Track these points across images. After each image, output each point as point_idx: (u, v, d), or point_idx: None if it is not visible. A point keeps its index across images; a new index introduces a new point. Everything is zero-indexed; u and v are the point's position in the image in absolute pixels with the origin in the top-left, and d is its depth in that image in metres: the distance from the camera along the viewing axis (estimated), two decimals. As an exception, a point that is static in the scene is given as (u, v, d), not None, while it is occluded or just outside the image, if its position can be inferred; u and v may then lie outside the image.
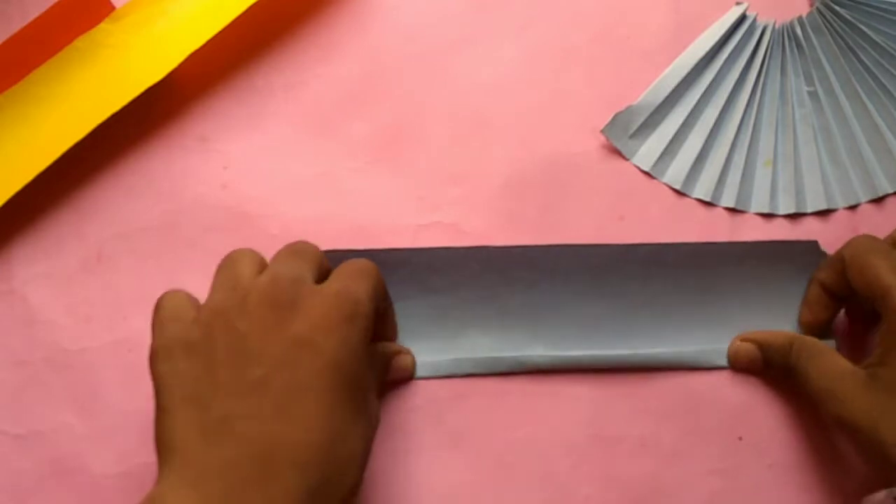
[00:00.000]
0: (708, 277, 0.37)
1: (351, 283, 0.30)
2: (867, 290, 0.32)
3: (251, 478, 0.26)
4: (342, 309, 0.29)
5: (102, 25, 0.40)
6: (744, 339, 0.36)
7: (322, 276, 0.32)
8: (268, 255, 0.38)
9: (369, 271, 0.32)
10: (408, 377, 0.37)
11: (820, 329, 0.36)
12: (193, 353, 0.29)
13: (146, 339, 0.37)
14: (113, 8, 0.40)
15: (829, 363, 0.33)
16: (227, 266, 0.32)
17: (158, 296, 0.38)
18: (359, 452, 0.29)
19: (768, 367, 0.36)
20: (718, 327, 0.37)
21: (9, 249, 0.39)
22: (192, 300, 0.31)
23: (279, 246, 0.38)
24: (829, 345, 0.35)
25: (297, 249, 0.32)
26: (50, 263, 0.39)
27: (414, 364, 0.37)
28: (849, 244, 0.34)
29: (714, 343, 0.37)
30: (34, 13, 0.40)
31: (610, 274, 0.37)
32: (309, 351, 0.28)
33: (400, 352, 0.36)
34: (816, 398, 0.33)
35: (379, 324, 0.34)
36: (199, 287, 0.38)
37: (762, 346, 0.36)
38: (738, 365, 0.36)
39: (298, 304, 0.29)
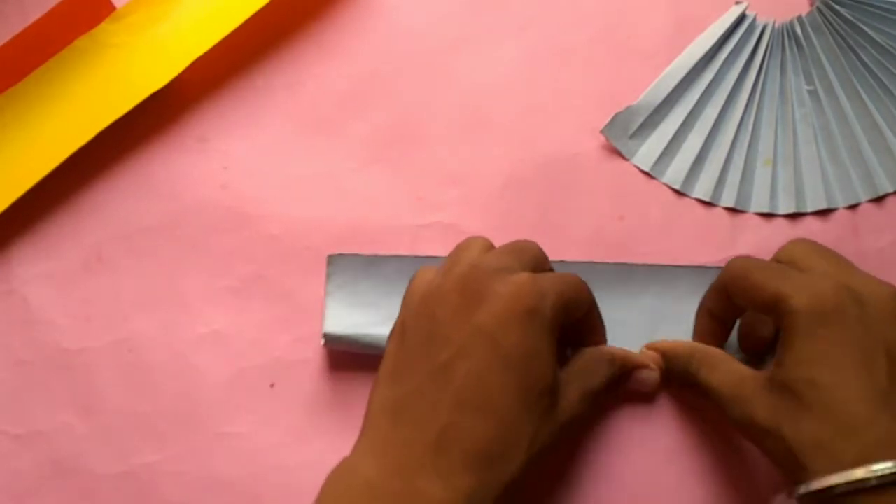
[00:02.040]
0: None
1: (541, 280, 0.31)
2: (755, 303, 0.32)
3: (424, 457, 0.28)
4: (524, 302, 0.30)
5: (103, 25, 0.40)
6: (649, 348, 0.36)
7: (534, 272, 0.32)
8: (267, 255, 0.39)
9: (569, 279, 0.33)
10: (649, 391, 0.36)
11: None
12: (404, 334, 0.31)
13: (146, 339, 0.38)
14: (114, 8, 0.40)
15: (728, 370, 0.33)
16: (455, 250, 0.34)
17: (159, 296, 0.38)
18: (524, 446, 0.29)
19: (671, 375, 0.36)
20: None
21: (9, 249, 0.39)
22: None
23: (279, 246, 0.39)
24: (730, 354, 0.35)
25: (517, 245, 0.33)
26: (50, 263, 0.39)
27: (658, 381, 0.36)
28: (725, 269, 0.34)
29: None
30: (33, 13, 0.40)
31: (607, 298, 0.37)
32: (487, 342, 0.29)
33: (645, 366, 0.36)
34: (720, 406, 0.33)
35: (584, 338, 0.35)
36: (198, 287, 0.38)
37: (665, 355, 0.36)
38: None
39: (486, 292, 0.30)
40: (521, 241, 0.34)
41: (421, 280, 0.33)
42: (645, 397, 0.36)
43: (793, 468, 0.29)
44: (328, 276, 0.37)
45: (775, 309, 0.31)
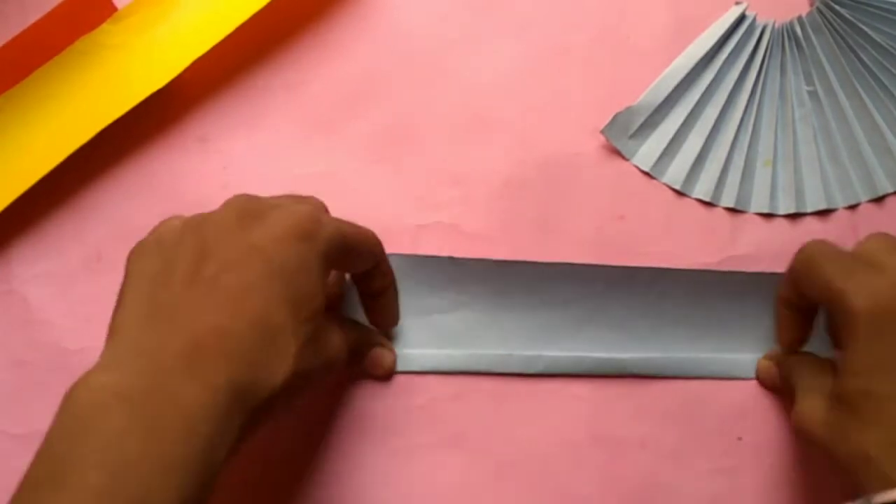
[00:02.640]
0: (705, 307, 0.37)
1: (323, 214, 0.32)
2: (821, 297, 0.31)
3: (179, 359, 0.27)
4: (301, 227, 0.30)
5: (104, 26, 0.40)
6: (767, 358, 0.36)
7: None
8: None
9: (357, 226, 0.33)
10: (382, 375, 0.37)
11: (801, 344, 0.35)
12: (161, 252, 0.30)
13: (146, 339, 0.38)
14: (115, 9, 0.40)
15: (811, 375, 0.33)
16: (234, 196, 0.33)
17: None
18: (290, 357, 0.29)
19: (786, 385, 0.35)
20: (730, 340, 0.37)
21: (9, 249, 0.39)
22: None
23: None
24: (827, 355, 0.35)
25: (298, 195, 0.34)
26: (50, 263, 0.39)
27: (394, 364, 0.37)
28: (798, 254, 0.33)
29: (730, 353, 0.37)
30: (32, 12, 0.40)
31: (610, 301, 0.37)
32: (260, 257, 0.29)
33: (382, 345, 0.37)
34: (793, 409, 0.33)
35: (377, 298, 0.35)
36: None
37: (777, 363, 0.36)
38: (762, 382, 0.37)
39: (264, 217, 0.30)
40: (306, 195, 0.34)
41: (186, 216, 0.32)
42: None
43: (850, 482, 0.28)
44: None
45: (837, 307, 0.30)
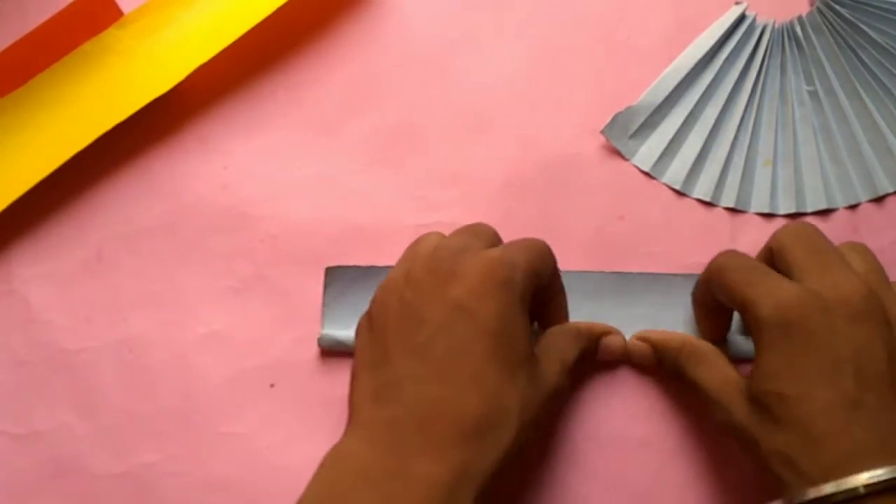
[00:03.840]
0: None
1: (509, 251, 0.31)
2: (731, 305, 0.32)
3: (412, 434, 0.28)
4: (497, 274, 0.30)
5: (110, 31, 0.40)
6: (639, 338, 0.36)
7: None
8: (267, 255, 0.39)
9: (535, 246, 0.33)
10: (619, 356, 0.36)
11: (720, 340, 0.36)
12: (372, 325, 0.31)
13: (146, 340, 0.38)
14: (121, 13, 0.40)
15: (714, 371, 0.33)
16: (411, 245, 0.34)
17: (159, 296, 0.38)
18: (513, 413, 0.29)
19: (662, 367, 0.36)
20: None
21: (9, 249, 0.39)
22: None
23: (279, 246, 0.39)
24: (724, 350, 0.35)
25: (473, 227, 0.34)
26: (50, 263, 0.39)
27: (624, 343, 0.36)
28: (710, 264, 0.33)
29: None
30: (32, 13, 0.40)
31: (606, 308, 0.37)
32: (465, 316, 0.29)
33: (608, 332, 0.36)
34: (704, 403, 0.33)
35: (547, 305, 0.35)
36: (198, 287, 0.38)
37: (656, 346, 0.36)
38: (633, 360, 0.37)
39: (457, 269, 0.30)
40: (477, 224, 0.34)
41: (386, 278, 0.33)
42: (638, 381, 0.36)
43: (774, 480, 0.29)
44: (325, 286, 0.37)
45: (746, 314, 0.31)
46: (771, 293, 0.30)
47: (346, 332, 0.37)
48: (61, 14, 0.39)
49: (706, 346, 0.34)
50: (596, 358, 0.36)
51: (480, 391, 0.29)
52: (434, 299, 0.30)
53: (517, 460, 0.30)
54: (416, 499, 0.27)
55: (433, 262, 0.31)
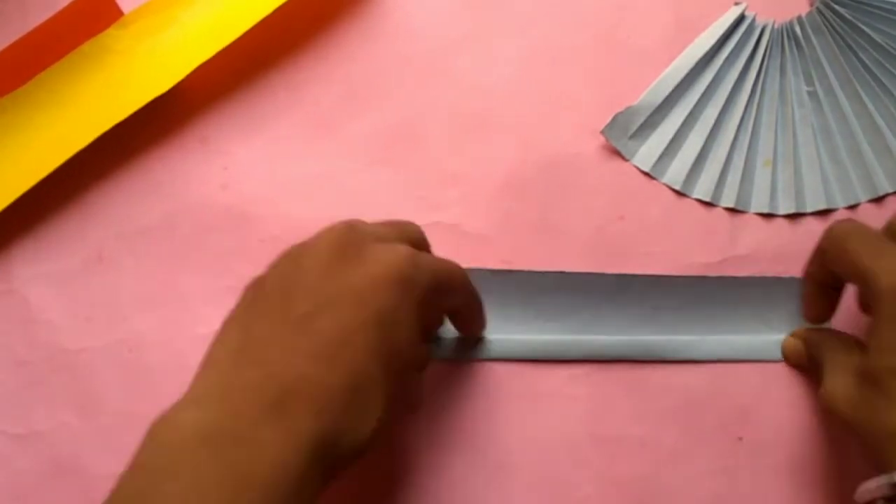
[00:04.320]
0: (703, 315, 0.38)
1: (421, 255, 0.31)
2: (849, 276, 0.31)
3: (267, 405, 0.27)
4: (401, 269, 0.29)
5: (110, 31, 0.40)
6: (794, 336, 0.37)
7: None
8: (267, 255, 0.39)
9: (448, 262, 0.32)
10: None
11: (826, 319, 0.36)
12: (260, 284, 0.30)
13: (146, 339, 0.38)
14: (121, 14, 0.40)
15: (840, 353, 0.33)
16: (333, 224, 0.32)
17: (159, 296, 0.38)
18: (376, 415, 0.28)
19: (811, 363, 0.36)
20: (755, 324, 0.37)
21: (9, 249, 0.39)
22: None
23: (279, 246, 0.38)
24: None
25: (400, 223, 0.33)
26: (50, 263, 0.39)
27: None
28: (827, 232, 0.33)
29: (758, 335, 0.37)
30: (33, 13, 0.40)
31: (606, 310, 0.37)
32: (355, 300, 0.28)
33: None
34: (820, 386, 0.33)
35: (462, 313, 0.35)
36: (198, 287, 0.38)
37: (805, 342, 0.36)
38: (788, 361, 0.37)
39: (363, 253, 0.30)
40: (407, 223, 0.33)
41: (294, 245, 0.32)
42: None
43: (877, 459, 0.29)
44: None
45: (865, 286, 0.30)
46: (894, 263, 0.29)
47: None
48: (61, 14, 0.39)
49: (842, 336, 0.34)
50: None
51: (348, 375, 0.28)
52: (331, 276, 0.29)
53: (362, 454, 0.29)
54: (270, 480, 0.26)
55: (343, 238, 0.30)
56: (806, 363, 0.36)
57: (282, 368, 0.27)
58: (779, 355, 0.37)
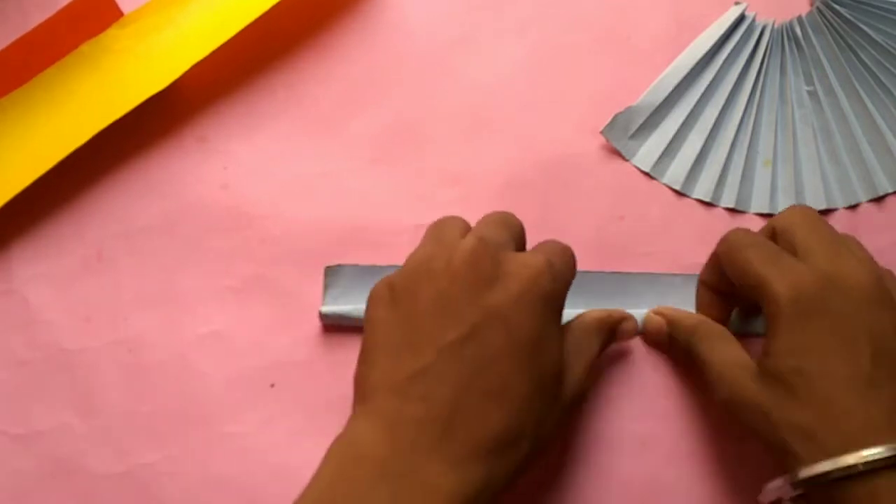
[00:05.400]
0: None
1: (554, 258, 0.31)
2: (743, 283, 0.32)
3: (434, 440, 0.28)
4: (541, 286, 0.29)
5: (110, 31, 0.40)
6: (656, 313, 0.37)
7: (520, 248, 0.33)
8: (267, 255, 0.39)
9: (571, 254, 0.32)
10: (632, 337, 0.37)
11: (721, 324, 0.36)
12: (397, 300, 0.30)
13: (146, 339, 0.38)
14: (121, 14, 0.40)
15: (726, 349, 0.33)
16: (436, 225, 0.33)
17: (159, 296, 0.38)
18: (531, 430, 0.29)
19: (674, 344, 0.36)
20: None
21: (9, 249, 0.39)
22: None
23: (279, 246, 0.39)
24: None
25: (504, 218, 0.33)
26: (50, 263, 0.39)
27: (636, 327, 0.36)
28: (722, 241, 0.34)
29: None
30: (33, 12, 0.40)
31: (604, 306, 0.37)
32: (502, 325, 0.29)
33: (625, 318, 0.36)
34: (711, 382, 0.33)
35: None
36: (198, 287, 0.38)
37: (670, 322, 0.36)
38: (647, 335, 0.37)
39: (500, 272, 0.30)
40: (506, 214, 0.33)
41: (415, 257, 0.32)
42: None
43: (783, 455, 0.29)
44: (325, 286, 0.37)
45: (759, 293, 0.31)
46: (787, 272, 0.31)
47: (349, 306, 0.37)
48: (61, 14, 0.39)
49: (719, 328, 0.35)
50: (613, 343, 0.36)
51: (505, 407, 0.28)
52: (473, 299, 0.29)
53: (527, 469, 0.30)
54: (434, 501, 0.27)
55: (475, 257, 0.30)
56: (664, 342, 0.36)
57: (442, 404, 0.28)
58: None
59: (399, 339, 0.29)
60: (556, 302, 0.30)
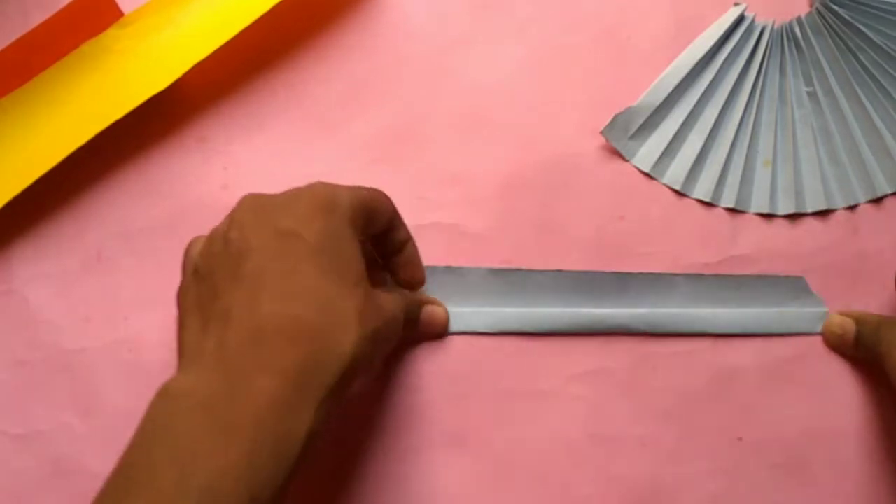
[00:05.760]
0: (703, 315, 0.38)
1: (332, 185, 0.32)
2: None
3: (243, 353, 0.27)
4: (321, 202, 0.30)
5: (110, 31, 0.40)
6: (842, 313, 0.37)
7: None
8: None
9: (365, 187, 0.33)
10: (439, 333, 0.37)
11: None
12: (198, 272, 0.31)
13: (146, 339, 0.38)
14: (121, 14, 0.40)
15: None
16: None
17: (159, 296, 0.38)
18: (351, 319, 0.29)
19: (858, 345, 0.36)
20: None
21: (9, 249, 0.39)
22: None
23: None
24: None
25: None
26: (50, 263, 0.39)
27: (447, 319, 0.37)
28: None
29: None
30: (33, 12, 0.40)
31: (606, 309, 0.37)
32: (293, 239, 0.29)
33: (431, 302, 0.37)
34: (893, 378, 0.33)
35: (397, 256, 0.35)
36: (200, 287, 0.38)
37: (858, 322, 0.36)
38: (829, 337, 0.37)
39: (283, 202, 0.31)
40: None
41: (199, 241, 0.33)
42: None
43: None
44: None
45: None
46: None
47: None
48: (61, 14, 0.39)
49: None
50: (416, 330, 0.37)
51: (314, 301, 0.28)
52: (261, 231, 0.30)
53: (358, 372, 0.29)
54: (256, 417, 0.26)
55: (257, 202, 0.31)
56: (850, 343, 0.36)
57: (246, 320, 0.28)
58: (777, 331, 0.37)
59: (203, 296, 0.30)
60: (342, 209, 0.30)
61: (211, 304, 0.29)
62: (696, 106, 0.40)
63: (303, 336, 0.27)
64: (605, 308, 0.37)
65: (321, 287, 0.29)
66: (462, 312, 0.37)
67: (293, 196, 0.31)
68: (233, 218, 0.31)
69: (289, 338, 0.27)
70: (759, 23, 0.41)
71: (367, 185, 0.39)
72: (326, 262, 0.29)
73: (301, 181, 0.39)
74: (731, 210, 0.39)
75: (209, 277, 0.30)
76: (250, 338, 0.27)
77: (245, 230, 0.30)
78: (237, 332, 0.28)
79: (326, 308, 0.28)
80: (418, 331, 0.37)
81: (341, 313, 0.29)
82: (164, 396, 0.27)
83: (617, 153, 0.40)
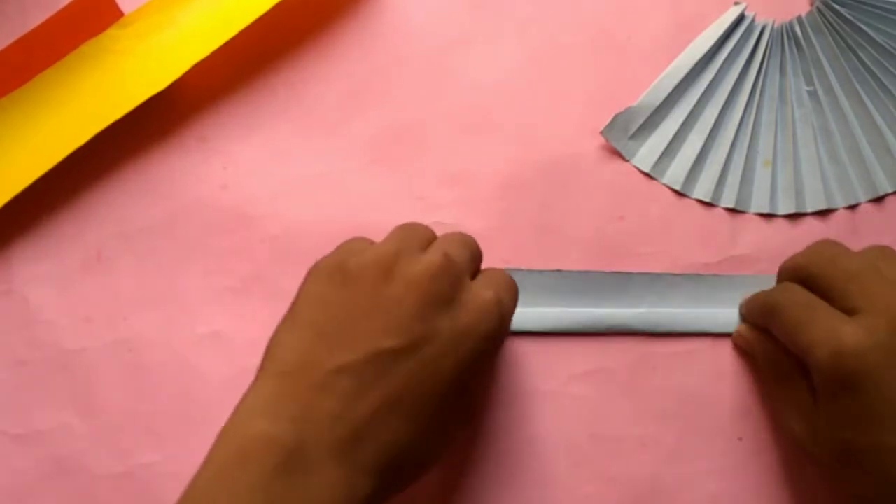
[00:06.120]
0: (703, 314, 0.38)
1: (503, 294, 0.31)
2: (788, 345, 0.32)
3: (340, 442, 0.27)
4: (487, 324, 0.29)
5: (110, 31, 0.40)
6: (744, 327, 0.37)
7: (476, 272, 0.32)
8: (267, 255, 0.39)
9: (514, 286, 0.32)
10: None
11: None
12: (345, 283, 0.29)
13: (146, 339, 0.38)
14: (121, 14, 0.40)
15: (788, 397, 0.34)
16: (404, 227, 0.32)
17: (158, 296, 0.38)
18: (430, 456, 0.30)
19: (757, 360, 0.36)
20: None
21: (9, 249, 0.39)
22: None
23: (279, 246, 0.39)
24: None
25: (466, 240, 0.32)
26: (50, 263, 0.39)
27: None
28: (767, 299, 0.34)
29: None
30: (33, 12, 0.40)
31: (605, 309, 0.37)
32: (440, 351, 0.28)
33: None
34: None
35: None
36: (198, 287, 0.38)
37: (753, 346, 0.36)
38: (738, 347, 0.37)
39: (454, 297, 0.29)
40: (466, 236, 0.33)
41: (381, 249, 0.31)
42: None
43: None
44: None
45: (805, 357, 0.31)
46: (828, 338, 0.30)
47: None
48: (61, 14, 0.39)
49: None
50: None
51: (416, 429, 0.28)
52: (421, 315, 0.28)
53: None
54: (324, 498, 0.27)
55: (438, 272, 0.29)
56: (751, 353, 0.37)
57: (356, 408, 0.27)
58: None
59: (334, 322, 0.29)
60: (497, 343, 0.30)
61: (332, 339, 0.29)
62: (696, 106, 0.40)
63: (391, 465, 0.28)
64: (605, 308, 0.37)
65: (433, 419, 0.29)
66: None
67: (468, 303, 0.30)
68: (409, 270, 0.29)
69: (380, 459, 0.28)
70: (759, 22, 0.41)
71: (367, 184, 0.40)
72: (452, 393, 0.29)
73: (301, 181, 0.40)
74: (731, 210, 0.39)
75: (349, 305, 0.29)
76: (354, 432, 0.28)
77: (409, 298, 0.29)
78: (348, 417, 0.28)
79: (423, 443, 0.29)
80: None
81: (428, 454, 0.30)
82: (254, 428, 0.28)
83: (617, 153, 0.40)
